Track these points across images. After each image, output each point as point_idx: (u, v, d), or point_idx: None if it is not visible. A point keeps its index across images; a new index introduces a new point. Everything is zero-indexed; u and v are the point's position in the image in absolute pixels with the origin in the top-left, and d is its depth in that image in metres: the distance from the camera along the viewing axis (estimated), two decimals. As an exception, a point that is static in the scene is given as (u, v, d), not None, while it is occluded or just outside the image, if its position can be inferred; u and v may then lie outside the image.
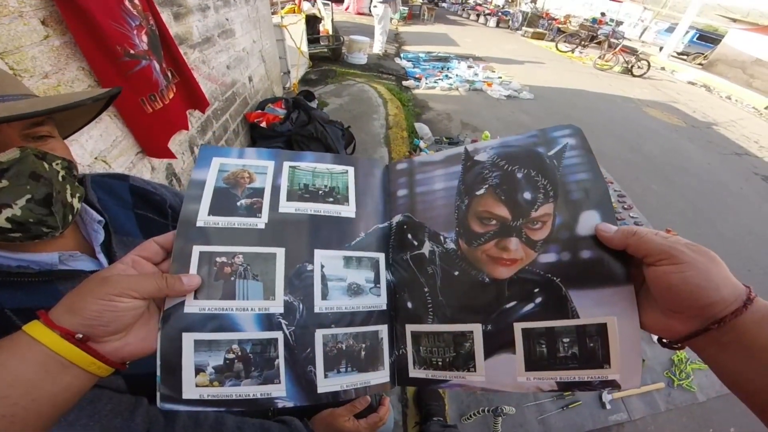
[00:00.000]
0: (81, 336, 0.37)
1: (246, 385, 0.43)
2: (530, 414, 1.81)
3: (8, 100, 0.50)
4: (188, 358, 0.43)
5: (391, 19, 11.66)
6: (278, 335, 0.45)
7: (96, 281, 0.39)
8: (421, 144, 4.38)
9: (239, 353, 0.44)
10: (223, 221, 0.48)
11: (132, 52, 1.52)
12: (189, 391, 0.42)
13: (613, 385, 0.41)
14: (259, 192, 0.50)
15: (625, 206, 2.29)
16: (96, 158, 1.48)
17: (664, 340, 0.41)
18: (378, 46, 8.27)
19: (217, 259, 0.46)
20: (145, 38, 1.62)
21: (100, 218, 0.66)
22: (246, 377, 0.44)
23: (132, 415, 0.54)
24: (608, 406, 1.92)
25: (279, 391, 0.44)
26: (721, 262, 0.37)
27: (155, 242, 0.46)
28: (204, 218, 0.47)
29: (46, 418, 0.37)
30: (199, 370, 0.43)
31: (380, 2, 7.57)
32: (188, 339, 0.43)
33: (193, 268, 0.45)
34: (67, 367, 0.37)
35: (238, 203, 0.49)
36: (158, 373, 0.42)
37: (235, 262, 0.46)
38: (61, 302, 0.39)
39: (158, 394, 0.41)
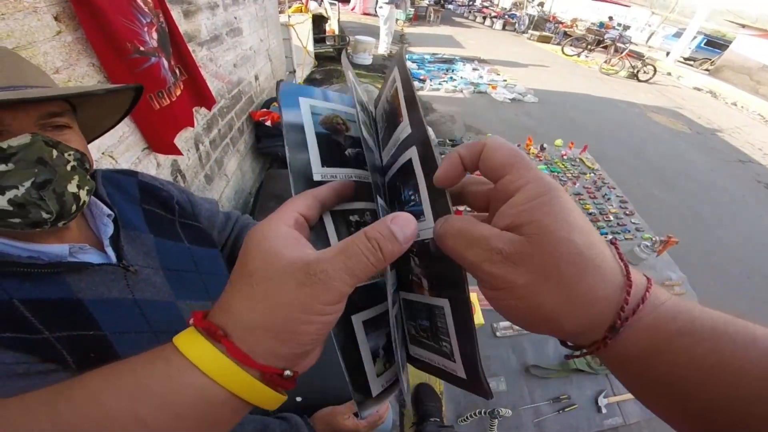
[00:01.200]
0: (290, 374, 0.27)
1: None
2: (527, 417, 1.82)
3: (27, 88, 0.52)
4: (364, 346, 0.35)
5: (397, 20, 11.66)
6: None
7: (293, 281, 0.25)
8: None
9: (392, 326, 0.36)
10: (340, 174, 0.38)
11: (141, 49, 1.54)
12: (375, 387, 0.35)
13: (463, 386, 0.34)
14: (357, 142, 0.40)
15: (627, 212, 2.30)
16: (103, 153, 1.50)
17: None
18: (383, 46, 8.28)
19: (351, 218, 0.37)
20: (155, 35, 1.64)
21: (110, 212, 0.67)
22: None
23: None
24: (604, 410, 1.93)
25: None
26: (578, 270, 0.23)
27: (314, 196, 0.32)
28: (320, 170, 0.37)
29: None
30: (374, 356, 0.36)
31: (386, 3, 7.58)
32: (357, 323, 0.35)
33: (331, 232, 0.35)
34: (239, 411, 0.27)
35: (347, 153, 0.39)
36: (348, 379, 0.33)
37: (366, 221, 0.38)
38: (241, 315, 0.26)
39: (356, 406, 0.34)
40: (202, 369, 0.24)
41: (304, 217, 0.30)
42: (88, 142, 0.72)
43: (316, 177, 0.36)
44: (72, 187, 0.55)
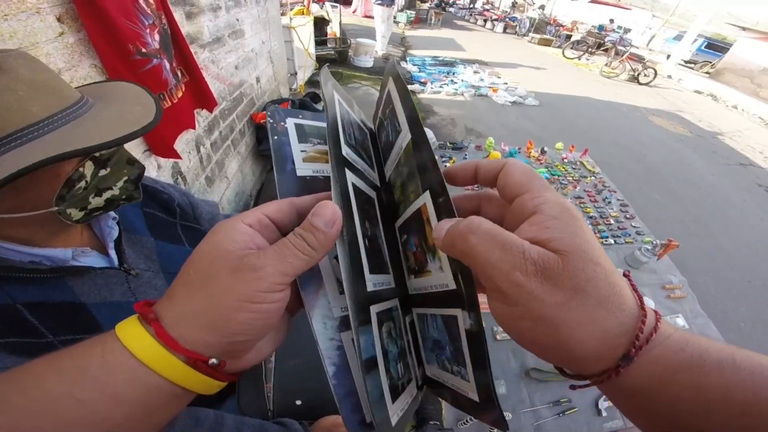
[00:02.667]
0: (216, 362, 0.26)
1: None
2: (526, 420, 1.81)
3: (70, 119, 0.52)
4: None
5: (398, 22, 11.64)
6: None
7: (225, 272, 0.26)
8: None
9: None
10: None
11: (144, 50, 1.54)
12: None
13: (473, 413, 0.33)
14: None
15: (628, 215, 2.29)
16: (105, 154, 1.51)
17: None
18: (379, 46, 8.25)
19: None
20: (157, 37, 1.65)
21: (115, 215, 0.68)
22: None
23: None
24: (604, 414, 1.93)
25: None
26: (601, 293, 0.22)
27: (293, 203, 0.32)
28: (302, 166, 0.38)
29: None
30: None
31: (376, 3, 7.63)
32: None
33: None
34: (179, 398, 0.27)
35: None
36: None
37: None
38: (176, 304, 0.26)
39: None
40: (132, 351, 0.25)
41: (272, 219, 0.30)
42: None
43: (300, 172, 0.36)
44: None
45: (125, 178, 0.59)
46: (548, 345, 0.24)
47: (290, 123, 0.39)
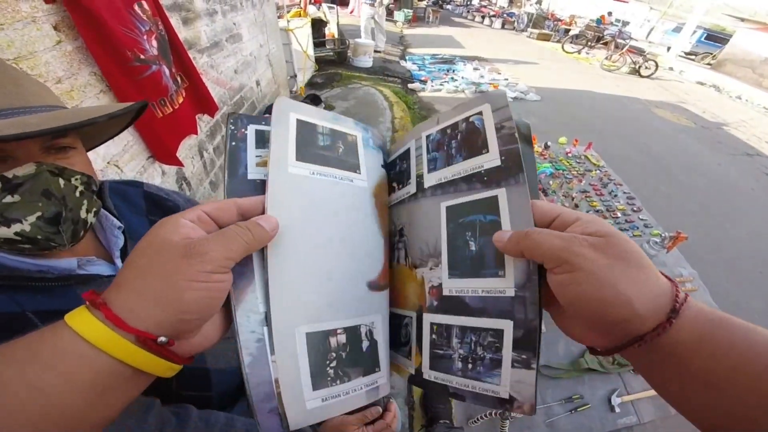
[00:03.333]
0: (165, 340, 0.28)
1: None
2: (538, 417, 1.79)
3: (28, 113, 0.50)
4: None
5: (396, 21, 11.61)
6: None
7: (174, 253, 0.29)
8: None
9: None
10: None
11: (142, 57, 1.54)
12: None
13: (507, 408, 0.35)
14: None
15: (635, 208, 2.27)
16: (108, 163, 1.51)
17: (596, 348, 0.34)
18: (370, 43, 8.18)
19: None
20: (155, 43, 1.65)
21: (120, 224, 0.67)
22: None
23: (145, 416, 0.54)
24: (617, 410, 1.90)
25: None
26: (637, 257, 0.29)
27: (235, 203, 0.35)
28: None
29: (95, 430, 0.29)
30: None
31: (364, 2, 7.64)
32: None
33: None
34: (130, 380, 0.29)
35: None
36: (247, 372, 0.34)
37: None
38: (126, 287, 0.28)
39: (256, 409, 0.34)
40: (81, 334, 0.26)
41: (211, 216, 0.33)
42: (90, 149, 0.71)
43: (251, 176, 0.41)
44: (83, 213, 0.54)
45: (38, 213, 0.48)
46: (609, 300, 0.28)
47: (251, 129, 0.43)
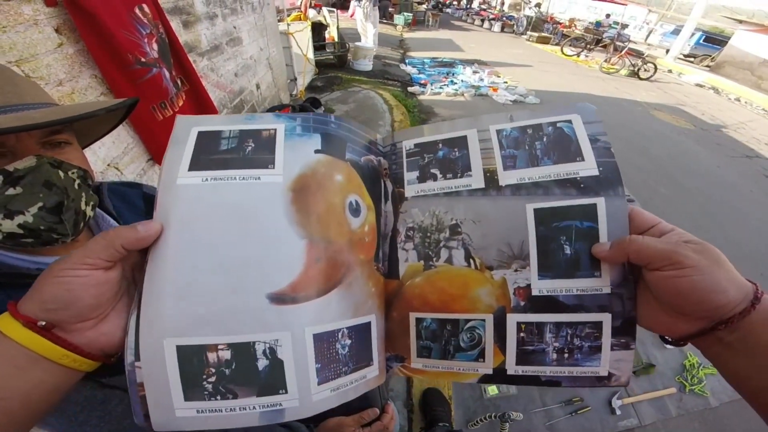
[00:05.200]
0: (43, 323, 0.34)
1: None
2: (538, 420, 1.78)
3: (26, 109, 0.52)
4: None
5: (396, 25, 11.58)
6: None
7: (55, 262, 0.35)
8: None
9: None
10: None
11: (143, 60, 1.55)
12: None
13: (605, 383, 0.41)
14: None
15: (633, 209, 2.27)
16: (109, 165, 1.51)
17: (668, 338, 0.40)
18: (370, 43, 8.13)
19: None
20: (155, 46, 1.66)
21: (117, 225, 0.67)
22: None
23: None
24: (618, 412, 1.89)
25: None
26: (726, 260, 0.36)
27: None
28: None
29: (18, 418, 0.34)
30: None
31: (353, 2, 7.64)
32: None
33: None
34: (37, 362, 0.34)
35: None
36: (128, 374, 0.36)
37: None
38: (29, 291, 0.35)
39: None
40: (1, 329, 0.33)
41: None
42: (84, 147, 0.72)
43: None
44: (82, 205, 0.55)
45: (39, 204, 0.49)
46: (711, 289, 0.34)
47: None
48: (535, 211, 0.43)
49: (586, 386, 0.43)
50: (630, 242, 0.38)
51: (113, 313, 0.38)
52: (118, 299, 0.38)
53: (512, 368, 0.43)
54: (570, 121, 0.45)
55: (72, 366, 0.35)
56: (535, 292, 0.42)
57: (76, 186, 0.54)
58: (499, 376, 0.44)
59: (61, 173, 0.52)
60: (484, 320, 0.44)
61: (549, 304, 0.42)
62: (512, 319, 0.43)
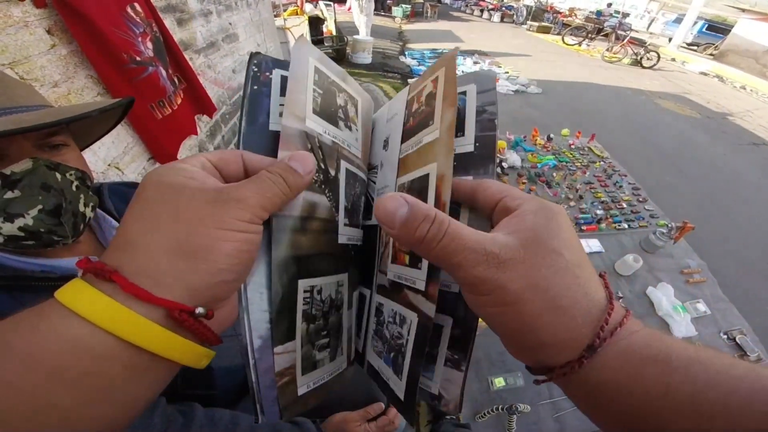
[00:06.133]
0: (203, 311, 0.22)
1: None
2: (545, 412, 1.77)
3: (20, 112, 0.52)
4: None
5: (395, 17, 11.47)
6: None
7: (202, 200, 0.23)
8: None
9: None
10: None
11: (138, 59, 1.53)
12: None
13: (436, 403, 0.35)
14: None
15: (640, 199, 2.24)
16: (109, 165, 1.50)
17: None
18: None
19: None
20: (150, 45, 1.64)
21: (118, 225, 0.67)
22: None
23: (151, 414, 0.55)
24: (626, 404, 1.88)
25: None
26: (552, 281, 0.23)
27: (242, 156, 0.29)
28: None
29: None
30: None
31: None
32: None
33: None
34: (145, 372, 0.22)
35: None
36: (254, 365, 0.29)
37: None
38: (140, 248, 0.21)
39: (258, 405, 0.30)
40: (81, 314, 0.19)
41: (215, 166, 0.27)
42: (84, 148, 0.72)
43: (273, 127, 0.34)
44: (81, 206, 0.55)
45: (39, 206, 0.49)
46: (516, 329, 0.24)
47: (276, 75, 0.36)
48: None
49: (424, 400, 0.37)
50: (422, 237, 0.24)
51: None
52: None
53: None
54: (465, 93, 0.38)
55: (198, 364, 0.25)
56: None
57: (73, 188, 0.54)
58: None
59: (58, 175, 0.52)
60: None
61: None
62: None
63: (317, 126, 0.35)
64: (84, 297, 0.20)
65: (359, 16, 7.51)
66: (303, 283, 0.32)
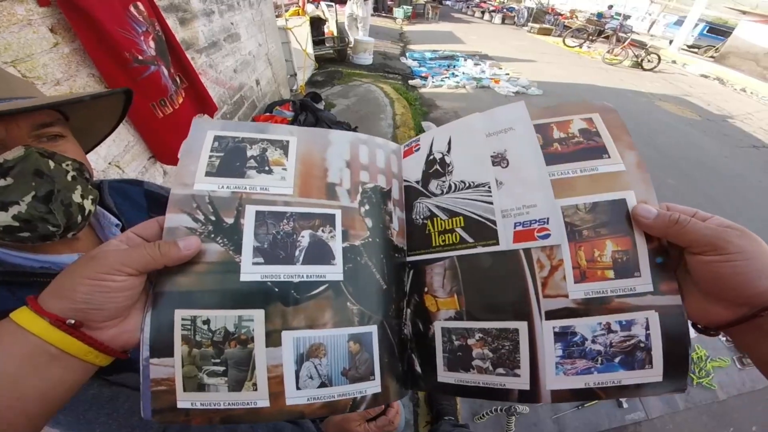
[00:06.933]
0: (72, 322, 0.34)
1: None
2: (544, 413, 1.78)
3: (15, 100, 0.51)
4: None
5: (396, 18, 11.49)
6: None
7: (84, 259, 0.36)
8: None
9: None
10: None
11: (140, 58, 1.54)
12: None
13: (658, 391, 0.38)
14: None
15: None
16: (110, 163, 1.50)
17: (700, 326, 0.39)
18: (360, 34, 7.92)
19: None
20: (152, 44, 1.64)
21: (118, 222, 0.67)
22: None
23: None
24: (625, 405, 1.88)
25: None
26: (765, 248, 0.34)
27: (157, 221, 0.42)
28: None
29: (34, 416, 0.34)
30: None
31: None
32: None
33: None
34: (57, 359, 0.34)
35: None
36: (142, 370, 0.37)
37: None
38: (51, 286, 0.36)
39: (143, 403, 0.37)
40: (12, 318, 0.34)
41: (139, 235, 0.40)
42: (90, 150, 0.72)
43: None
44: (76, 197, 0.54)
45: (32, 193, 0.49)
46: (755, 275, 0.33)
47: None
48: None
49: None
50: (675, 221, 0.37)
51: (133, 311, 0.39)
52: (139, 297, 0.39)
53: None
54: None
55: (93, 361, 0.36)
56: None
57: (69, 178, 0.53)
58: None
59: (52, 163, 0.51)
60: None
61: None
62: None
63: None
64: (19, 312, 0.35)
65: (352, 18, 7.41)
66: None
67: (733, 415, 1.96)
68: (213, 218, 0.42)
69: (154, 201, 0.81)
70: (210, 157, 0.45)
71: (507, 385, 0.42)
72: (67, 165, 0.54)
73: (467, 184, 0.48)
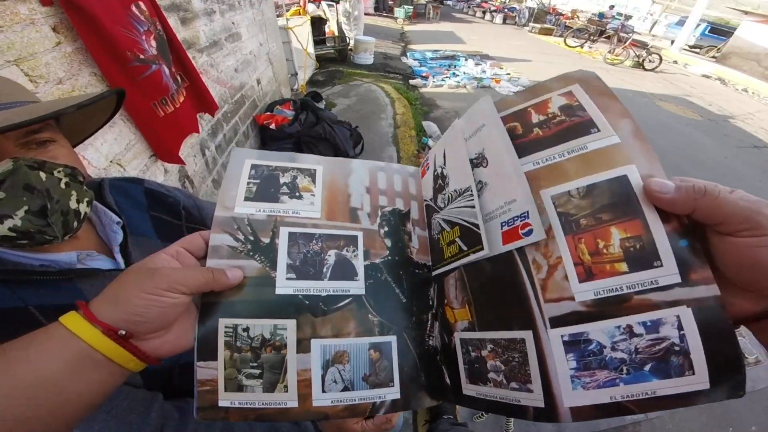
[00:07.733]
0: (124, 333, 0.36)
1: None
2: (544, 413, 1.78)
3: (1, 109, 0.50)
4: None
5: (396, 18, 11.47)
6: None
7: (143, 273, 0.38)
8: (430, 142, 4.38)
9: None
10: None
11: (142, 56, 1.54)
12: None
13: (709, 399, 0.30)
14: None
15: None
16: (111, 161, 1.51)
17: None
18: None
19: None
20: (153, 43, 1.64)
21: (119, 220, 0.67)
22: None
23: (147, 411, 0.55)
24: (624, 406, 1.88)
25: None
26: None
27: (201, 236, 0.45)
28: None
29: (71, 420, 0.35)
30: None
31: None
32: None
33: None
34: (101, 365, 0.35)
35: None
36: (196, 376, 0.41)
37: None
38: (104, 294, 0.37)
39: (196, 405, 0.40)
40: (64, 324, 0.35)
41: (186, 249, 0.43)
42: (79, 143, 0.71)
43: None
44: (72, 203, 0.54)
45: (25, 207, 0.48)
46: None
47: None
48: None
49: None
50: (704, 191, 0.31)
51: (176, 325, 0.41)
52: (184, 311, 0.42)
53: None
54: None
55: (132, 368, 0.38)
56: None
57: (62, 185, 0.53)
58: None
59: (43, 174, 0.50)
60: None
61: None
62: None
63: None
64: (70, 317, 0.36)
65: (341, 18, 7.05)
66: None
67: (732, 414, 1.96)
68: (252, 238, 0.47)
69: (155, 199, 0.81)
70: (248, 183, 0.50)
71: (522, 401, 0.38)
72: (59, 172, 0.53)
73: (458, 192, 0.49)
